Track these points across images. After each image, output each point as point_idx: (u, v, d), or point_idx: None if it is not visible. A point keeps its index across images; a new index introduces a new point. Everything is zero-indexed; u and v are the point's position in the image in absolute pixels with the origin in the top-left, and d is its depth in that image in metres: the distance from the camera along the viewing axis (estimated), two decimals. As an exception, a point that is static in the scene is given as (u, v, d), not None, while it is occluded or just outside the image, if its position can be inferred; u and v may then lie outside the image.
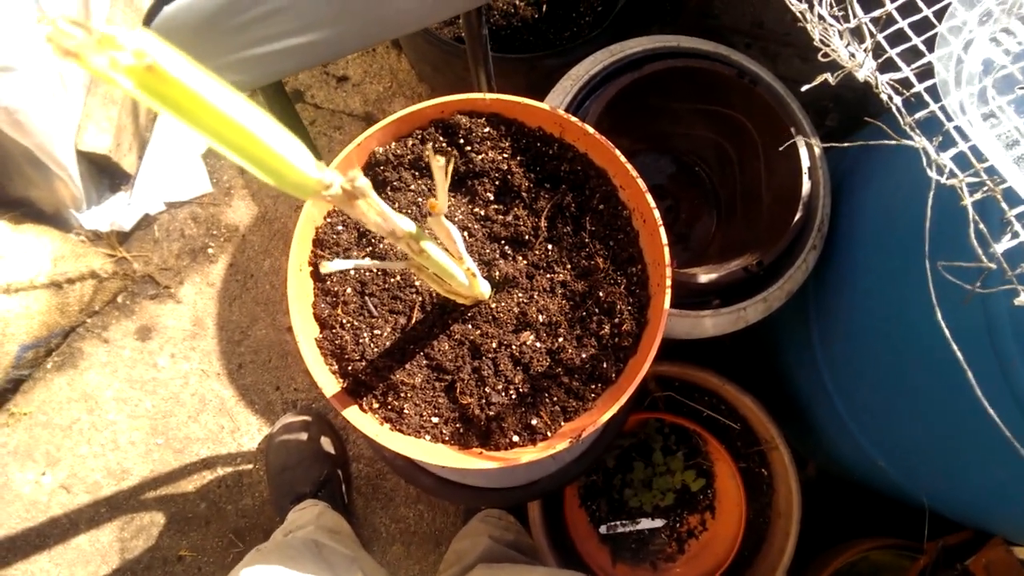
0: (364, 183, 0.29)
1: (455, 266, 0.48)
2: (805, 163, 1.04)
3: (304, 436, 1.47)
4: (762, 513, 1.34)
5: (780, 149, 1.05)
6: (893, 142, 0.48)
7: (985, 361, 0.72)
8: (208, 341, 1.58)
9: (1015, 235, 0.42)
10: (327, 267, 0.38)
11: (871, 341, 1.03)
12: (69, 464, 1.52)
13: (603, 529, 1.34)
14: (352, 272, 0.67)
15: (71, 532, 1.50)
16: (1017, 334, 0.68)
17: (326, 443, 1.49)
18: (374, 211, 0.31)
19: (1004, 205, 0.42)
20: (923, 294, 0.90)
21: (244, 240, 1.62)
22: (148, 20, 0.60)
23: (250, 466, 1.54)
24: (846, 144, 0.60)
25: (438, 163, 0.33)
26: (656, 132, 1.24)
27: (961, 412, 0.86)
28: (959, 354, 0.45)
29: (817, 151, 1.06)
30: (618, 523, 1.35)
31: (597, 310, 0.66)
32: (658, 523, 1.35)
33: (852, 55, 0.48)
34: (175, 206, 1.62)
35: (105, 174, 1.55)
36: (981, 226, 0.42)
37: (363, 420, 0.64)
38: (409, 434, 0.64)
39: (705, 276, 1.01)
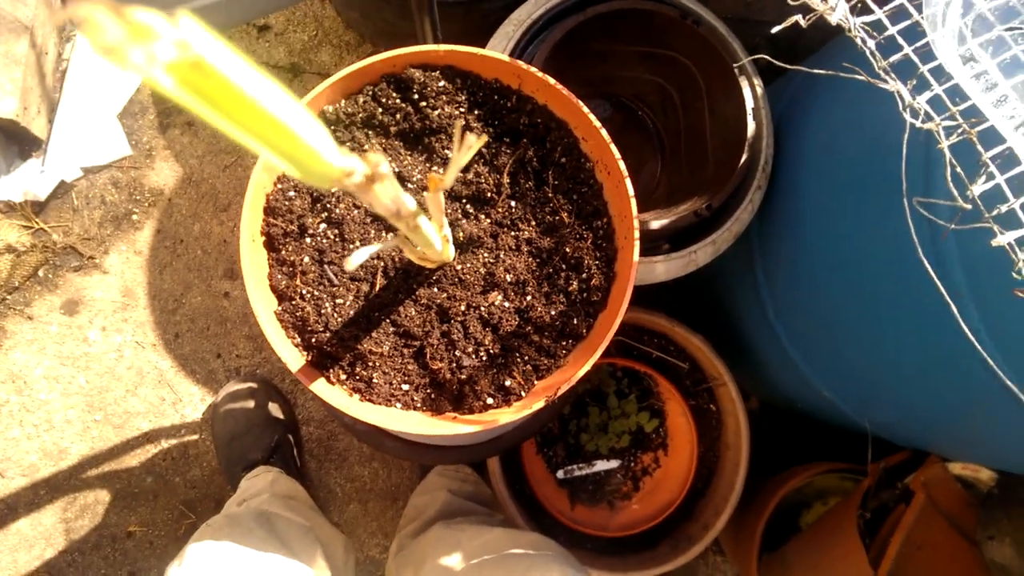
0: (386, 168, 0.27)
1: (436, 234, 0.46)
2: (749, 104, 1.04)
3: (251, 403, 1.43)
4: (712, 447, 1.38)
5: (723, 91, 1.05)
6: (847, 77, 0.47)
7: (935, 295, 0.75)
8: (140, 312, 1.51)
9: (990, 176, 0.43)
10: (351, 262, 0.36)
11: (814, 275, 1.05)
12: (1, 448, 1.45)
13: (560, 474, 1.37)
14: (308, 240, 0.64)
15: (9, 517, 1.44)
16: (966, 268, 0.71)
17: (274, 408, 1.46)
18: (389, 194, 0.29)
19: (980, 148, 0.43)
20: (864, 231, 0.93)
21: (170, 204, 1.54)
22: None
23: (196, 437, 1.50)
24: (817, 71, 0.60)
25: (469, 142, 0.31)
26: (599, 76, 1.22)
27: (903, 339, 0.89)
28: (942, 288, 0.46)
29: (759, 90, 1.06)
30: (575, 467, 1.37)
31: (564, 266, 0.65)
32: (613, 464, 1.38)
33: (824, -2, 0.47)
34: (93, 171, 1.52)
35: (13, 140, 1.44)
36: (958, 169, 0.43)
37: (331, 392, 0.62)
38: (380, 403, 0.63)
39: (657, 222, 1.01)
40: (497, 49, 1.03)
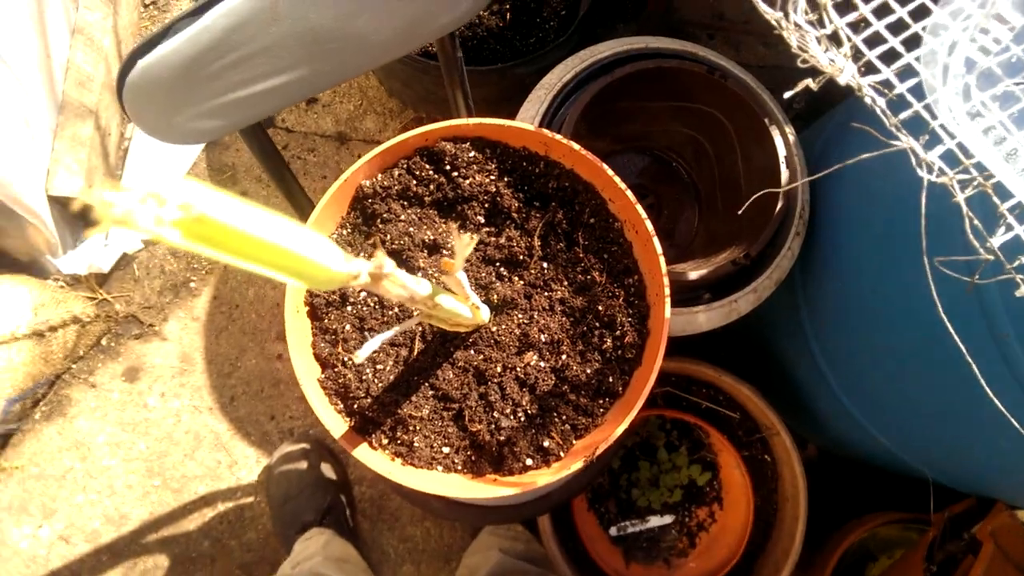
0: (391, 267, 0.29)
1: (462, 306, 0.48)
2: (781, 152, 1.04)
3: (304, 464, 1.46)
4: (769, 499, 1.35)
5: (755, 141, 1.06)
6: (878, 144, 0.48)
7: (981, 341, 0.73)
8: (197, 376, 1.56)
9: (1009, 228, 0.43)
10: (359, 356, 0.39)
11: (861, 322, 1.04)
12: (66, 514, 1.50)
13: (613, 531, 1.35)
14: (349, 308, 0.67)
15: (74, 583, 1.48)
16: (1011, 315, 0.69)
17: (327, 469, 1.48)
18: (398, 286, 0.31)
19: (996, 200, 0.43)
20: (908, 276, 0.91)
21: (226, 271, 1.60)
22: (123, 74, 0.59)
23: (251, 499, 1.53)
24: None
25: (462, 243, 0.33)
26: (632, 132, 1.24)
27: (957, 388, 0.87)
28: (961, 345, 0.46)
29: (792, 138, 1.07)
30: (628, 523, 1.35)
31: (598, 324, 0.66)
32: (668, 519, 1.36)
33: (832, 60, 0.48)
34: (153, 243, 1.60)
35: (79, 216, 1.53)
36: (976, 221, 0.43)
37: (374, 458, 0.63)
38: (421, 467, 0.64)
39: (695, 272, 1.01)
40: (530, 112, 1.06)
